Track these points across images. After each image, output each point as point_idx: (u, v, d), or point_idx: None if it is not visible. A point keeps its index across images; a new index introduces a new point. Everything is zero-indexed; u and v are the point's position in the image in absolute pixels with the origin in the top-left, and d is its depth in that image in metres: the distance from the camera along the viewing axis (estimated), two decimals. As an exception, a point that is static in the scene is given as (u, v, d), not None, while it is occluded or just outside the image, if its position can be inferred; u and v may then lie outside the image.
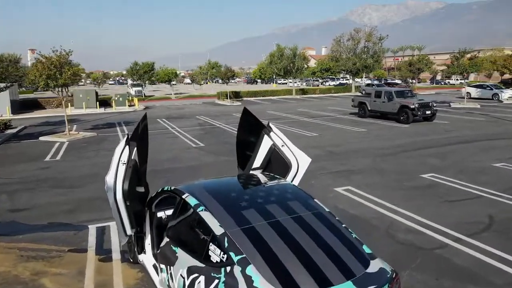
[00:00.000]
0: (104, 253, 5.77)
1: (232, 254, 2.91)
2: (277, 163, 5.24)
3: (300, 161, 5.13)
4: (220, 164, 11.36)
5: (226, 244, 3.00)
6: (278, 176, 4.50)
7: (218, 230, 3.14)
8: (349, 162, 11.36)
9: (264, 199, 3.65)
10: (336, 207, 7.56)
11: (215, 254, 3.09)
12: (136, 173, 4.47)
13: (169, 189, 4.21)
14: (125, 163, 4.13)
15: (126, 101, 31.82)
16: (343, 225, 3.41)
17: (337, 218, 3.50)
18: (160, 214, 4.84)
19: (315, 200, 3.76)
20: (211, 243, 3.16)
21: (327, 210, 3.60)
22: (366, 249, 3.19)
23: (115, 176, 4.04)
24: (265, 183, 4.27)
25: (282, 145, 5.19)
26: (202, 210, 3.42)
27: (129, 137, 4.35)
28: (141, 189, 4.70)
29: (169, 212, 4.73)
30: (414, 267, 5.14)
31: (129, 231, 4.38)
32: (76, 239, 6.28)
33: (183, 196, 3.78)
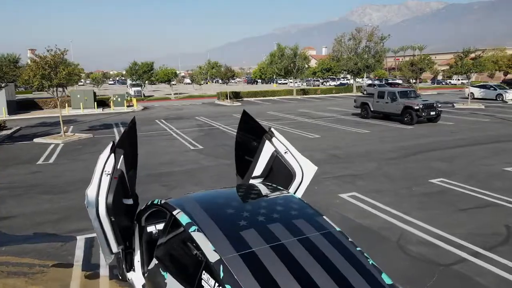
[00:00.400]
0: (91, 268, 5.30)
1: (228, 287, 2.45)
2: (279, 172, 4.76)
3: (305, 170, 4.65)
4: (219, 168, 10.89)
5: (222, 274, 2.54)
6: (281, 188, 4.03)
7: (212, 256, 2.67)
8: (353, 165, 10.89)
9: (266, 216, 3.19)
10: (342, 215, 7.11)
11: (208, 284, 2.63)
12: (123, 184, 4.00)
13: (158, 202, 3.75)
14: (109, 174, 3.67)
15: (125, 101, 31.36)
16: (358, 249, 2.94)
17: (350, 240, 3.03)
18: (151, 228, 4.37)
19: (324, 217, 3.29)
20: (204, 271, 2.70)
21: (338, 229, 3.14)
22: (386, 279, 2.72)
23: (98, 188, 3.58)
24: (267, 196, 3.81)
25: (285, 152, 4.71)
26: (194, 231, 2.95)
27: (115, 143, 3.88)
28: (129, 201, 4.24)
29: (160, 226, 4.27)
30: (431, 285, 4.68)
31: (115, 249, 3.92)
32: (62, 252, 5.81)
33: (174, 213, 3.31)
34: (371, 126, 18.83)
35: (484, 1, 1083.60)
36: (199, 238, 2.87)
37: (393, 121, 20.03)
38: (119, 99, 31.23)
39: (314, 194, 7.85)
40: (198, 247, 2.82)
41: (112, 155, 3.77)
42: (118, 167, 3.84)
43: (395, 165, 10.84)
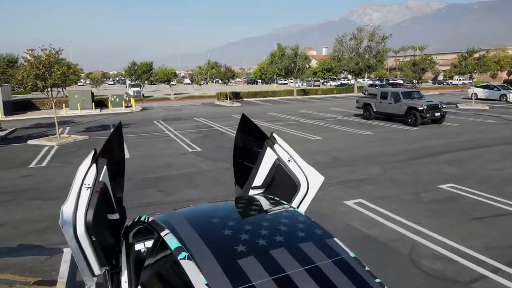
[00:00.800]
0: (75, 286, 4.86)
1: (223, 332, 2.01)
2: (282, 182, 4.31)
3: (310, 180, 4.21)
4: (217, 172, 10.45)
5: (215, 316, 2.10)
6: (284, 202, 3.59)
7: (204, 292, 2.23)
8: (357, 169, 10.44)
9: (268, 239, 2.74)
10: (348, 224, 6.68)
11: (199, 327, 2.19)
12: (107, 197, 3.56)
13: (146, 220, 3.31)
14: (90, 187, 3.23)
15: (123, 102, 30.90)
16: (377, 280, 2.50)
17: (367, 269, 2.59)
18: (139, 246, 3.94)
19: (335, 239, 2.84)
20: (194, 310, 2.26)
21: (352, 255, 2.69)
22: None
23: (76, 204, 3.14)
24: (269, 213, 3.36)
25: (289, 160, 4.27)
26: (184, 258, 2.51)
27: (97, 152, 3.44)
28: (114, 217, 3.80)
29: (150, 243, 3.83)
30: (449, 308, 4.24)
31: (97, 271, 3.49)
32: (45, 267, 5.37)
33: (162, 234, 2.88)
34: (374, 127, 18.39)
35: (484, 1, 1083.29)
36: (189, 267, 2.42)
37: (397, 122, 19.59)
38: (117, 99, 30.76)
39: (318, 201, 7.39)
40: (187, 279, 2.38)
41: (94, 165, 3.34)
42: (101, 179, 3.40)
43: (401, 169, 10.39)
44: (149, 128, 19.73)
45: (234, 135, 4.88)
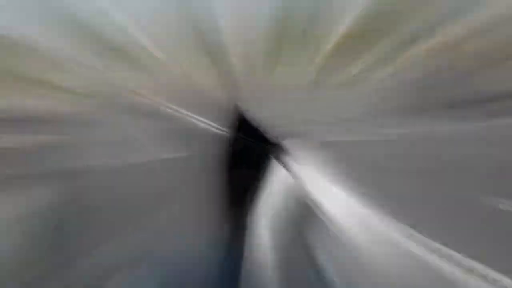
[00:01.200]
0: None
1: None
2: (295, 210, 2.34)
3: (336, 208, 2.25)
4: (202, 187, 8.25)
5: None
6: (301, 243, 1.90)
7: None
8: (390, 181, 8.21)
9: None
10: (381, 264, 4.40)
11: None
12: None
13: None
14: None
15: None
16: None
17: None
18: None
19: None
20: None
21: None
22: None
23: None
24: (280, 267, 1.54)
25: (305, 177, 2.27)
26: None
27: None
28: None
29: None
30: None
31: None
32: None
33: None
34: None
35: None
36: None
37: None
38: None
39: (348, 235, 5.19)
40: None
41: None
42: None
43: (445, 180, 8.14)
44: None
45: (226, 138, 2.75)
